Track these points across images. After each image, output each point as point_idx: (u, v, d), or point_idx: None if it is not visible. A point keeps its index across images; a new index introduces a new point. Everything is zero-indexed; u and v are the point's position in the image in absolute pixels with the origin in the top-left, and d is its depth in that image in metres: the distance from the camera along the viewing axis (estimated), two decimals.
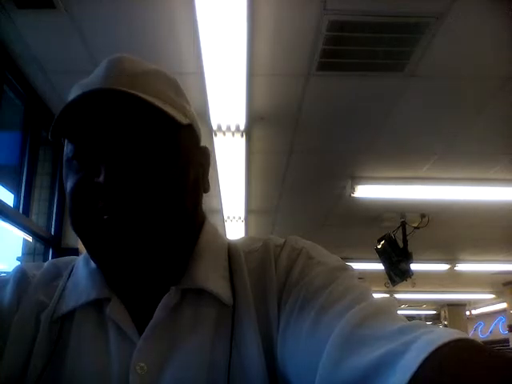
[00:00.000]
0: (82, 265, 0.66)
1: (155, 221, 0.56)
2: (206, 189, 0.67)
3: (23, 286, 0.64)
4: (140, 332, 0.58)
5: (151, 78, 0.60)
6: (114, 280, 0.62)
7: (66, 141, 0.60)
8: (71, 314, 0.61)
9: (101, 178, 0.54)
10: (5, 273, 0.68)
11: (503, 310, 9.66)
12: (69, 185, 0.58)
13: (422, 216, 4.72)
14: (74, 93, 0.58)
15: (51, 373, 0.57)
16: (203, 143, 0.69)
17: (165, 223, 0.57)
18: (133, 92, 0.54)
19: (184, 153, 0.60)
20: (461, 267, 6.85)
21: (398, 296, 8.65)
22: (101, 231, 0.56)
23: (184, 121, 0.60)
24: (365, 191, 4.07)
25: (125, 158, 0.55)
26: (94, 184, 0.55)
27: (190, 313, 0.60)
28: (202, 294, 0.60)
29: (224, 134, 3.07)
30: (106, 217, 0.55)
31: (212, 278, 0.61)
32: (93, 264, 0.64)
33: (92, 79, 0.59)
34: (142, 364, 0.56)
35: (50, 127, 0.56)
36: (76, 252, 3.25)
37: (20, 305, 0.62)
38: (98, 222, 0.56)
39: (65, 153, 0.60)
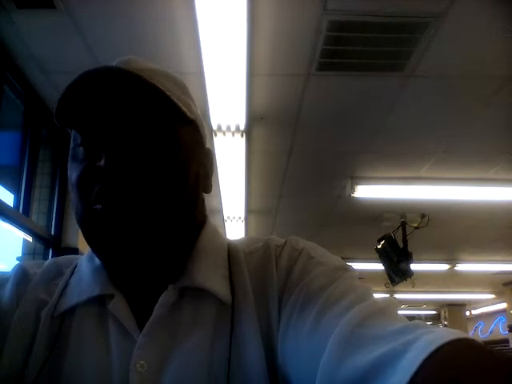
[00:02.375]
0: (85, 262, 0.66)
1: (150, 208, 0.56)
2: (207, 189, 0.68)
3: (23, 284, 0.64)
4: (141, 330, 0.58)
5: (158, 75, 0.61)
6: (117, 277, 0.62)
7: (72, 132, 0.61)
8: (72, 311, 0.61)
9: (101, 162, 0.55)
10: (5, 273, 0.67)
11: (503, 310, 9.66)
12: (73, 174, 0.59)
13: (422, 216, 4.72)
14: None
15: (51, 370, 0.57)
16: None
17: (160, 211, 0.57)
18: (141, 75, 0.55)
19: (185, 147, 0.61)
20: (461, 267, 6.84)
21: (397, 296, 8.64)
22: (94, 222, 0.56)
23: (189, 115, 0.61)
24: (365, 191, 4.07)
25: (127, 144, 0.56)
26: (95, 168, 0.56)
27: (190, 311, 0.60)
28: (201, 292, 0.61)
29: (224, 134, 3.08)
30: (98, 207, 0.55)
31: (211, 276, 0.61)
32: (97, 261, 0.64)
33: None
34: (143, 362, 0.56)
35: (56, 105, 0.56)
36: (76, 252, 3.25)
37: (20, 302, 0.62)
38: (91, 212, 0.56)
39: (71, 142, 0.61)
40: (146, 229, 0.57)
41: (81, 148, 0.58)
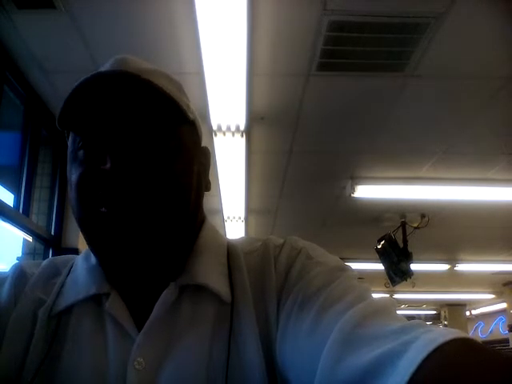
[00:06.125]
0: (81, 261, 0.66)
1: (156, 212, 0.56)
2: (208, 187, 0.68)
3: (21, 284, 0.64)
4: (138, 328, 0.59)
5: (156, 75, 0.60)
6: (113, 275, 0.62)
7: (70, 133, 0.61)
8: (69, 309, 0.62)
9: (107, 165, 0.54)
10: (3, 272, 0.68)
11: (503, 310, 9.65)
12: (74, 176, 0.58)
13: (422, 216, 4.72)
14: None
15: (49, 368, 0.57)
16: (203, 143, 0.70)
17: (166, 214, 0.57)
18: (144, 77, 0.55)
19: (188, 147, 0.61)
20: (461, 267, 6.84)
21: (397, 296, 8.64)
22: (99, 224, 0.56)
23: (190, 115, 0.61)
24: (365, 191, 4.07)
25: (131, 147, 0.56)
26: (99, 172, 0.55)
27: (189, 309, 0.60)
28: (200, 290, 0.61)
29: (224, 134, 3.07)
30: (103, 209, 0.55)
31: (211, 274, 0.62)
32: (93, 260, 0.64)
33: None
34: (140, 359, 0.56)
35: (59, 112, 0.56)
36: (76, 252, 3.25)
37: (18, 302, 0.62)
38: (96, 215, 0.56)
39: (69, 145, 0.61)
40: (153, 231, 0.57)
41: (81, 151, 0.58)
